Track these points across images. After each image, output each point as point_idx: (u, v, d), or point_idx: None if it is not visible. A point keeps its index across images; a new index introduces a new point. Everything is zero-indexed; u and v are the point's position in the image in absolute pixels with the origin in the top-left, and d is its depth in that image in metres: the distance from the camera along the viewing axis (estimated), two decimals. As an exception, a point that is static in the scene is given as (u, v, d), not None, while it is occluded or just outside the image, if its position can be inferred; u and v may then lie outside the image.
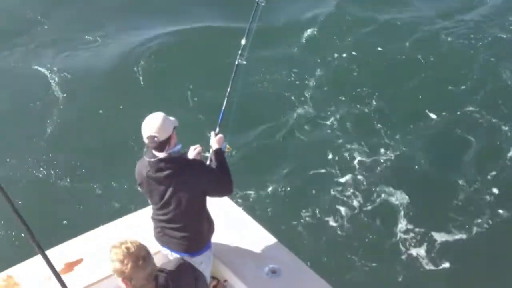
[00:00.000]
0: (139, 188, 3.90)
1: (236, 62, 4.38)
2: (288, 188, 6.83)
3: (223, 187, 3.85)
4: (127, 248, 2.57)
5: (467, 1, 10.42)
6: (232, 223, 4.51)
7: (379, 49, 9.12)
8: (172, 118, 3.60)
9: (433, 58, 8.98)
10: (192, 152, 3.90)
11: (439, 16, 10.02)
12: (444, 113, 8.01)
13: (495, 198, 6.78)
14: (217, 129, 4.14)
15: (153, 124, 3.50)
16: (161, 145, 3.51)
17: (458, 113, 8.02)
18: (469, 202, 6.77)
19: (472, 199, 6.82)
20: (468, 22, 9.83)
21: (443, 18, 9.94)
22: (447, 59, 9.03)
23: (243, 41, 4.44)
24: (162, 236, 3.86)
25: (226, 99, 4.26)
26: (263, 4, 4.53)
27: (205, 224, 3.87)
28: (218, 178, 3.80)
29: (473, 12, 10.10)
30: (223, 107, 4.25)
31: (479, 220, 6.53)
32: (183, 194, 3.65)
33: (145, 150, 3.76)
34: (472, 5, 10.32)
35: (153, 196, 3.74)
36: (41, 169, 7.04)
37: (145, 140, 3.55)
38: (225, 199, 4.61)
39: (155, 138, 3.47)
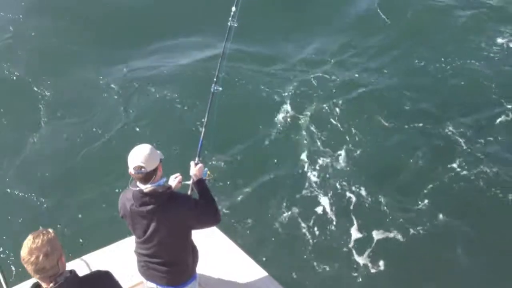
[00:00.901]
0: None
1: (212, 90, 4.37)
2: (268, 205, 6.90)
3: (209, 219, 3.81)
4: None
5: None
6: (218, 252, 4.50)
7: (355, 58, 9.33)
8: (158, 151, 3.58)
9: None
10: (173, 181, 3.91)
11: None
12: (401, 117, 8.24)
13: (454, 204, 6.98)
14: (197, 159, 4.11)
15: (140, 154, 3.48)
16: (147, 177, 3.46)
17: (416, 113, 8.29)
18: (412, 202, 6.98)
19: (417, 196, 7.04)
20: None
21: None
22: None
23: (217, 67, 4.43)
24: (147, 270, 3.81)
25: (203, 129, 4.24)
26: (235, 25, 4.52)
27: (190, 257, 3.83)
28: (203, 211, 3.74)
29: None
30: (201, 137, 4.24)
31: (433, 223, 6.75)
32: (167, 230, 3.61)
33: (130, 180, 3.69)
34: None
35: (136, 230, 3.69)
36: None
37: (131, 171, 3.51)
38: (229, 244, 4.61)
39: (142, 169, 3.44)
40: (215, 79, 4.40)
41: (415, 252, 6.50)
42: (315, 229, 6.72)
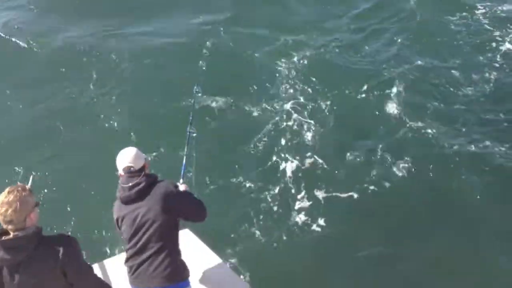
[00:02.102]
0: (117, 229, 3.96)
1: (187, 133, 4.69)
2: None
3: (196, 208, 3.94)
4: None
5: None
6: (210, 274, 4.57)
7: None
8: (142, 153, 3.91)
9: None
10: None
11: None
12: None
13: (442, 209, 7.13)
14: (181, 180, 4.47)
15: (127, 156, 3.82)
16: (136, 175, 3.76)
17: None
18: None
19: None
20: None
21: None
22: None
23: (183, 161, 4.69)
24: (137, 276, 3.82)
25: (185, 157, 4.63)
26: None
27: (178, 253, 3.90)
28: (190, 198, 3.92)
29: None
30: (184, 162, 4.62)
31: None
32: (155, 213, 3.71)
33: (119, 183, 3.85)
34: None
35: (126, 224, 3.78)
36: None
37: (121, 172, 3.79)
38: (202, 247, 4.73)
39: (131, 168, 3.76)
40: (190, 122, 4.78)
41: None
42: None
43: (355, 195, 7.27)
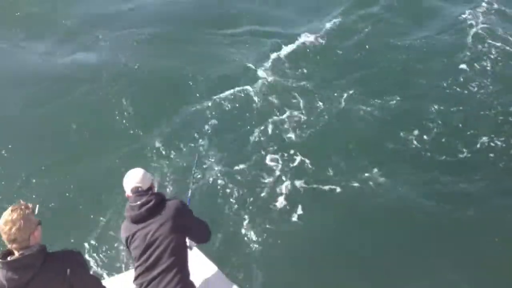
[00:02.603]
0: (126, 248, 4.02)
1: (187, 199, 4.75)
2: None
3: (204, 228, 4.11)
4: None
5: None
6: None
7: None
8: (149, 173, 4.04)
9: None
10: None
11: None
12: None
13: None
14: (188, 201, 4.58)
15: (135, 176, 3.92)
16: (142, 194, 3.87)
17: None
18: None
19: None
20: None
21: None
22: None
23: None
24: None
25: (190, 190, 4.86)
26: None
27: (187, 272, 3.96)
28: (197, 218, 4.06)
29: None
30: (189, 195, 4.81)
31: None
32: (166, 230, 3.79)
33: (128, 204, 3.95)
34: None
35: (137, 241, 3.82)
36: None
37: (129, 193, 3.89)
38: (210, 266, 4.72)
39: (139, 188, 3.86)
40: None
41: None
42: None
43: (356, 195, 7.44)
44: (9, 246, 3.20)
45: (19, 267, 3.16)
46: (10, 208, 3.21)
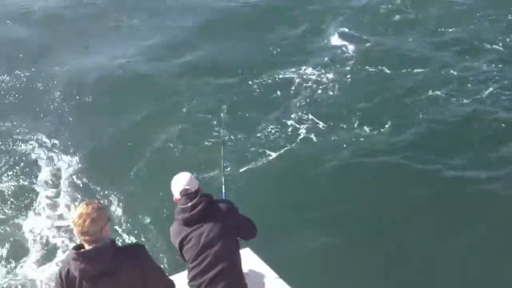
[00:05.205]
0: (179, 255, 3.99)
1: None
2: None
3: (252, 225, 4.09)
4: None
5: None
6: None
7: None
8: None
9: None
10: None
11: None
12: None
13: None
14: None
15: (183, 179, 3.99)
16: (192, 197, 3.89)
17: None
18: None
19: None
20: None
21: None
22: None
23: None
24: None
25: (223, 185, 4.68)
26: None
27: (242, 273, 3.97)
28: (245, 216, 4.06)
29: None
30: (223, 190, 4.66)
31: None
32: (220, 230, 3.82)
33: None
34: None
35: (191, 243, 3.84)
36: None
37: (177, 196, 3.94)
38: (264, 266, 4.74)
39: (188, 190, 3.92)
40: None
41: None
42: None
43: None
44: (80, 239, 3.30)
45: (92, 258, 3.26)
46: (84, 202, 3.33)
